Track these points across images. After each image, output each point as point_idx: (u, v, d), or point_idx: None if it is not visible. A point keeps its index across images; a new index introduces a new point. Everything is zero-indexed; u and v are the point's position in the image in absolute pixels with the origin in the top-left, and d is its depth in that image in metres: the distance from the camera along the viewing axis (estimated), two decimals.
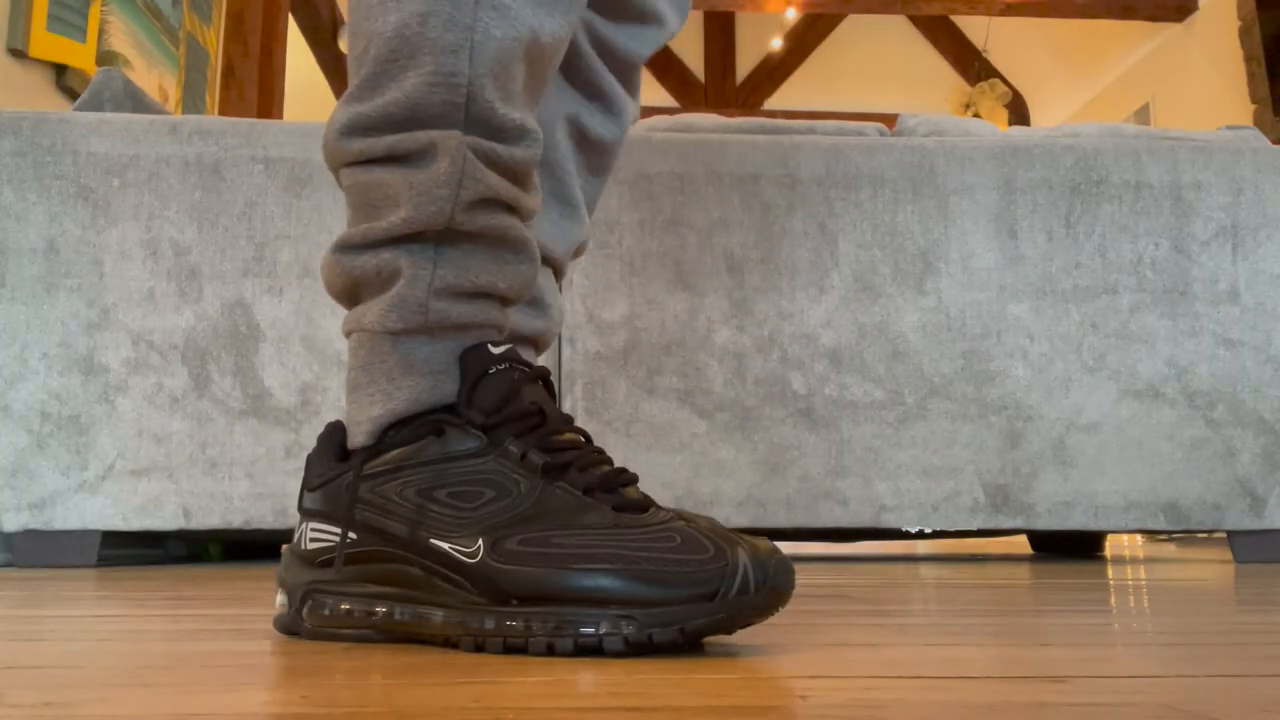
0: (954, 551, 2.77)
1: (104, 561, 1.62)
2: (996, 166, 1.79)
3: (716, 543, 0.54)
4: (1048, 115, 6.72)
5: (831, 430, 1.71)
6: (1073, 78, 6.27)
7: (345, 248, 0.65)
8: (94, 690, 0.44)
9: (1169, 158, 1.80)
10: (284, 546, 1.70)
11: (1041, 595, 0.99)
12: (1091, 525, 1.72)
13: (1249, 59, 4.51)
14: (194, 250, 1.66)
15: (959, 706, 0.39)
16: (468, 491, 0.59)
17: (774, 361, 1.72)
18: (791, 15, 5.72)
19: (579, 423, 1.67)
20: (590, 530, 0.56)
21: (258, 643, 0.60)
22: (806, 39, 6.89)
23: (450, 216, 0.63)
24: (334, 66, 5.34)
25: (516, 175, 0.66)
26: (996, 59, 6.76)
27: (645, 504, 0.58)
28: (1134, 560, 2.03)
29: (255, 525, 1.61)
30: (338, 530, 0.62)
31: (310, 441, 1.62)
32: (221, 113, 3.67)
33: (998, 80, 6.34)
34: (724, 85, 6.96)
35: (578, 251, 0.83)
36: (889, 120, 3.97)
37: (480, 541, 0.57)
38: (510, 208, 0.66)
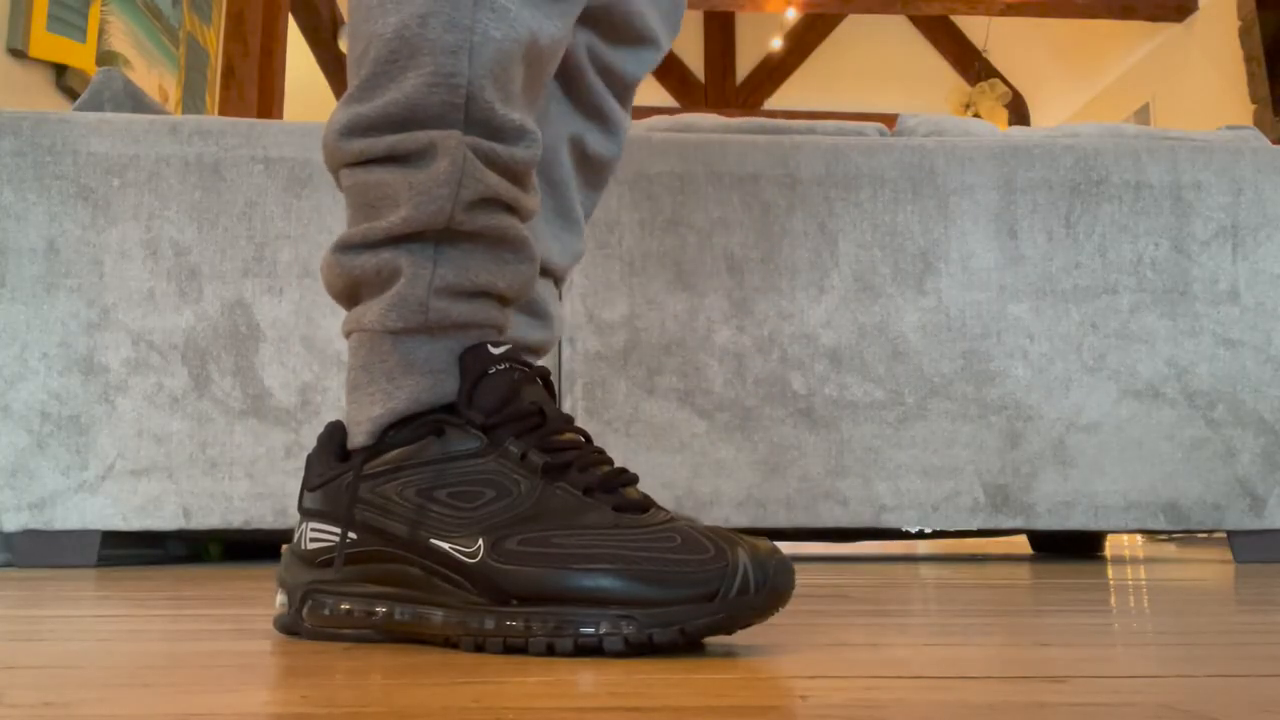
0: (954, 551, 2.77)
1: (104, 561, 1.62)
2: (996, 166, 1.79)
3: (717, 543, 0.54)
4: (1048, 115, 6.72)
5: (831, 430, 1.71)
6: (1073, 78, 6.27)
7: (345, 248, 0.65)
8: (94, 690, 0.44)
9: (1169, 158, 1.80)
10: (284, 546, 1.70)
11: (1041, 595, 0.99)
12: (1091, 525, 1.72)
13: (1249, 59, 4.51)
14: (194, 250, 1.66)
15: (959, 706, 0.39)
16: (468, 491, 0.59)
17: (774, 361, 1.72)
18: (791, 15, 5.73)
19: (579, 423, 1.67)
20: (590, 530, 0.56)
21: (258, 643, 0.60)
22: (806, 39, 6.89)
23: (450, 216, 0.63)
24: (334, 66, 5.34)
25: (516, 175, 0.66)
26: (996, 59, 6.76)
27: (645, 504, 0.58)
28: (1134, 560, 2.03)
29: (255, 525, 1.61)
30: (338, 530, 0.62)
31: (310, 441, 1.62)
32: (221, 113, 3.67)
33: (998, 80, 6.34)
34: (724, 85, 6.96)
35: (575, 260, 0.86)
36: (889, 120, 3.98)
37: (480, 541, 0.57)
38: (510, 208, 0.66)
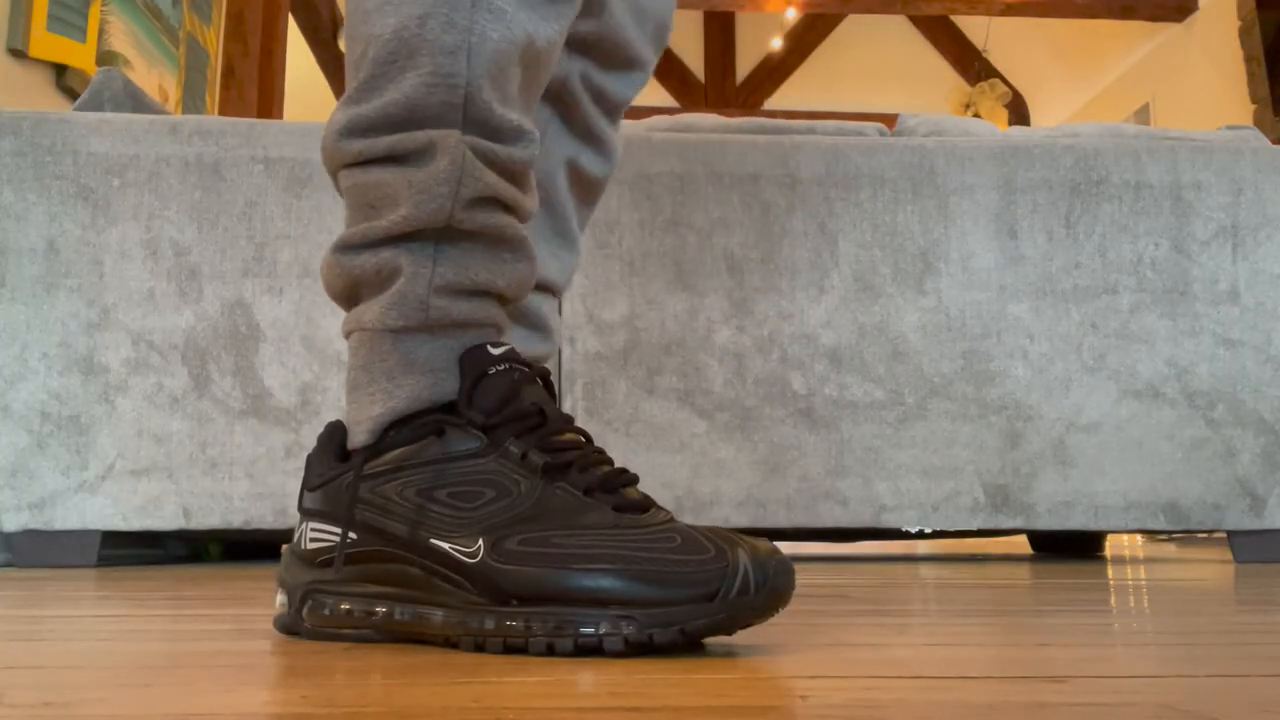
0: (954, 551, 2.77)
1: (104, 561, 1.62)
2: (996, 166, 1.79)
3: (717, 543, 0.54)
4: (1048, 115, 6.72)
5: (831, 430, 1.71)
6: (1073, 78, 6.27)
7: (345, 248, 0.65)
8: (94, 690, 0.44)
9: (1169, 158, 1.80)
10: (284, 546, 1.70)
11: (1041, 595, 0.99)
12: (1091, 525, 1.72)
13: (1249, 59, 4.51)
14: (194, 250, 1.66)
15: (959, 706, 0.39)
16: (468, 491, 0.59)
17: (774, 361, 1.72)
18: (791, 15, 5.73)
19: (579, 423, 1.67)
20: (590, 530, 0.56)
21: (258, 643, 0.60)
22: (806, 39, 6.89)
23: (450, 214, 0.63)
24: (334, 66, 5.34)
25: (514, 175, 0.66)
26: (996, 59, 6.76)
27: (645, 504, 0.58)
28: (1134, 560, 2.03)
29: (255, 525, 1.61)
30: (338, 530, 0.62)
31: (310, 441, 1.62)
32: (221, 113, 3.67)
33: (998, 80, 6.34)
34: (724, 85, 6.96)
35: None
36: (889, 120, 3.97)
37: (480, 541, 0.57)
38: (508, 207, 0.66)
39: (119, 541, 1.67)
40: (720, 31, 6.97)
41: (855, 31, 6.87)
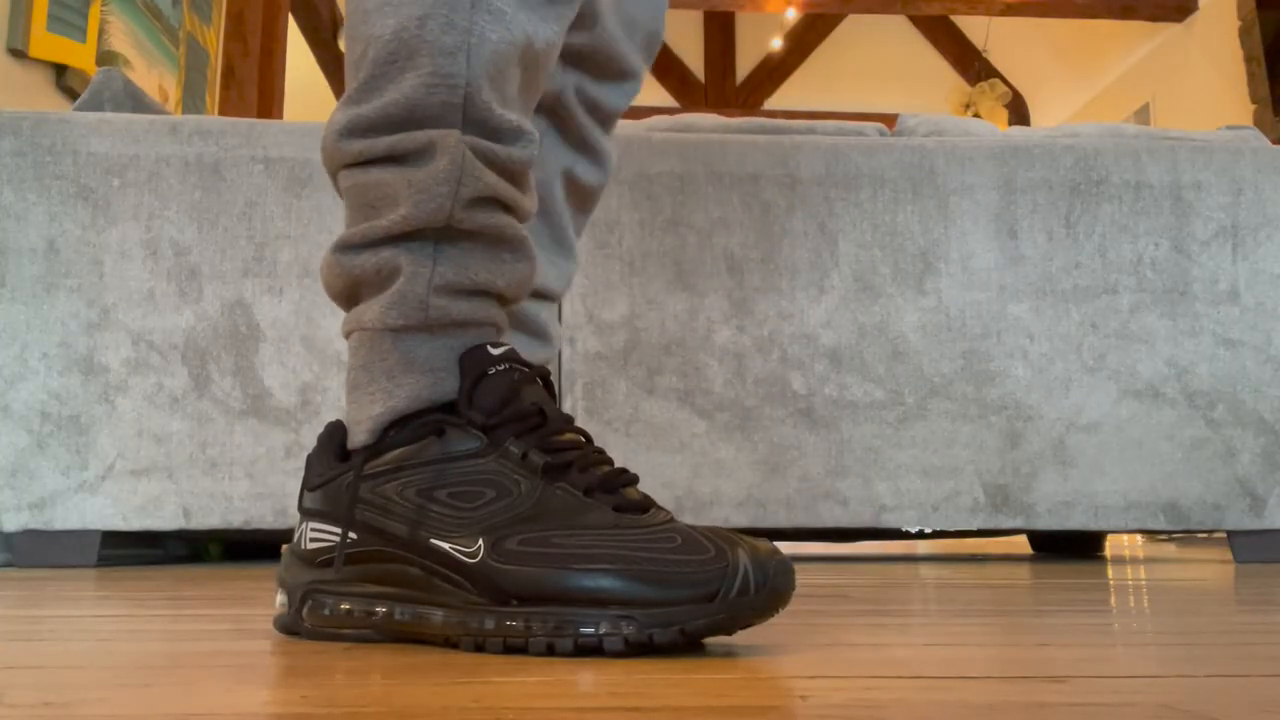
0: (954, 551, 2.77)
1: (104, 561, 1.62)
2: (996, 166, 1.79)
3: (717, 543, 0.54)
4: (1048, 115, 6.72)
5: (831, 430, 1.71)
6: (1073, 78, 6.27)
7: (345, 248, 0.65)
8: (94, 690, 0.44)
9: (1169, 158, 1.80)
10: (284, 546, 1.70)
11: (1041, 595, 0.99)
12: (1091, 525, 1.72)
13: (1249, 59, 4.51)
14: (194, 250, 1.66)
15: (959, 706, 0.39)
16: (468, 491, 0.59)
17: (774, 361, 1.72)
18: (791, 15, 5.72)
19: (579, 423, 1.67)
20: (590, 530, 0.56)
21: (258, 643, 0.60)
22: (806, 39, 6.89)
23: (450, 214, 0.63)
24: (334, 66, 5.34)
25: (513, 175, 0.66)
26: (996, 59, 6.76)
27: (645, 504, 0.58)
28: (1134, 560, 2.03)
29: (255, 525, 1.61)
30: (338, 530, 0.62)
31: (310, 441, 1.62)
32: (221, 113, 3.67)
33: (998, 80, 6.34)
34: (724, 85, 6.96)
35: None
36: (889, 120, 3.97)
37: (480, 541, 0.57)
38: (508, 207, 0.66)
39: (119, 541, 1.67)
40: (720, 31, 6.97)
41: (855, 31, 6.87)
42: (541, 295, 0.82)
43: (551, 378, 0.67)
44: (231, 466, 1.61)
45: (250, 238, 1.67)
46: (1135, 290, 1.77)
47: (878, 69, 6.90)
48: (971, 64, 6.81)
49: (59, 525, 1.58)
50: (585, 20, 0.80)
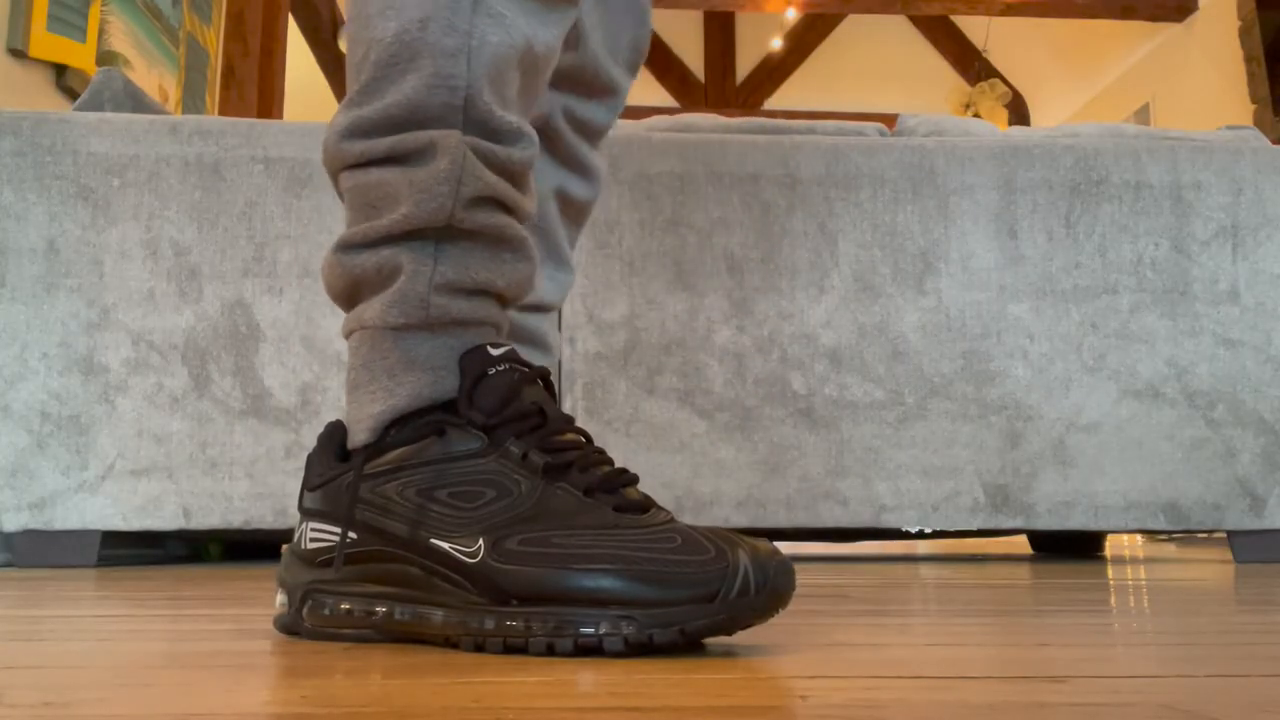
0: (954, 551, 2.77)
1: (104, 561, 1.62)
2: (996, 166, 1.79)
3: (717, 544, 0.54)
4: (1048, 115, 6.72)
5: (831, 430, 1.71)
6: (1073, 78, 6.27)
7: (346, 247, 0.66)
8: (94, 690, 0.44)
9: (1169, 158, 1.80)
10: (284, 546, 1.70)
11: (1041, 595, 0.99)
12: (1091, 525, 1.72)
13: (1249, 59, 4.51)
14: (194, 250, 1.66)
15: (959, 706, 0.39)
16: (468, 491, 0.59)
17: (774, 361, 1.72)
18: (791, 15, 5.72)
19: (579, 423, 1.67)
20: (590, 530, 0.56)
21: (258, 643, 0.60)
22: (806, 39, 6.89)
23: (450, 213, 0.63)
24: (334, 66, 5.34)
25: (513, 176, 0.67)
26: (996, 59, 6.76)
27: (646, 504, 0.58)
28: (1134, 560, 2.03)
29: (255, 525, 1.61)
30: (338, 530, 0.62)
31: (310, 441, 1.62)
32: (221, 113, 3.67)
33: (998, 80, 6.34)
34: (724, 85, 6.96)
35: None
36: (889, 120, 3.97)
37: (481, 541, 0.57)
38: (508, 208, 0.67)
39: (119, 541, 1.67)
40: (720, 31, 6.97)
41: (855, 31, 6.87)
42: (540, 308, 0.84)
43: (551, 378, 0.67)
44: (231, 466, 1.61)
45: (250, 238, 1.67)
46: (1135, 290, 1.77)
47: (878, 69, 6.90)
48: (971, 64, 6.81)
49: (59, 525, 1.58)
50: (571, 40, 0.81)
